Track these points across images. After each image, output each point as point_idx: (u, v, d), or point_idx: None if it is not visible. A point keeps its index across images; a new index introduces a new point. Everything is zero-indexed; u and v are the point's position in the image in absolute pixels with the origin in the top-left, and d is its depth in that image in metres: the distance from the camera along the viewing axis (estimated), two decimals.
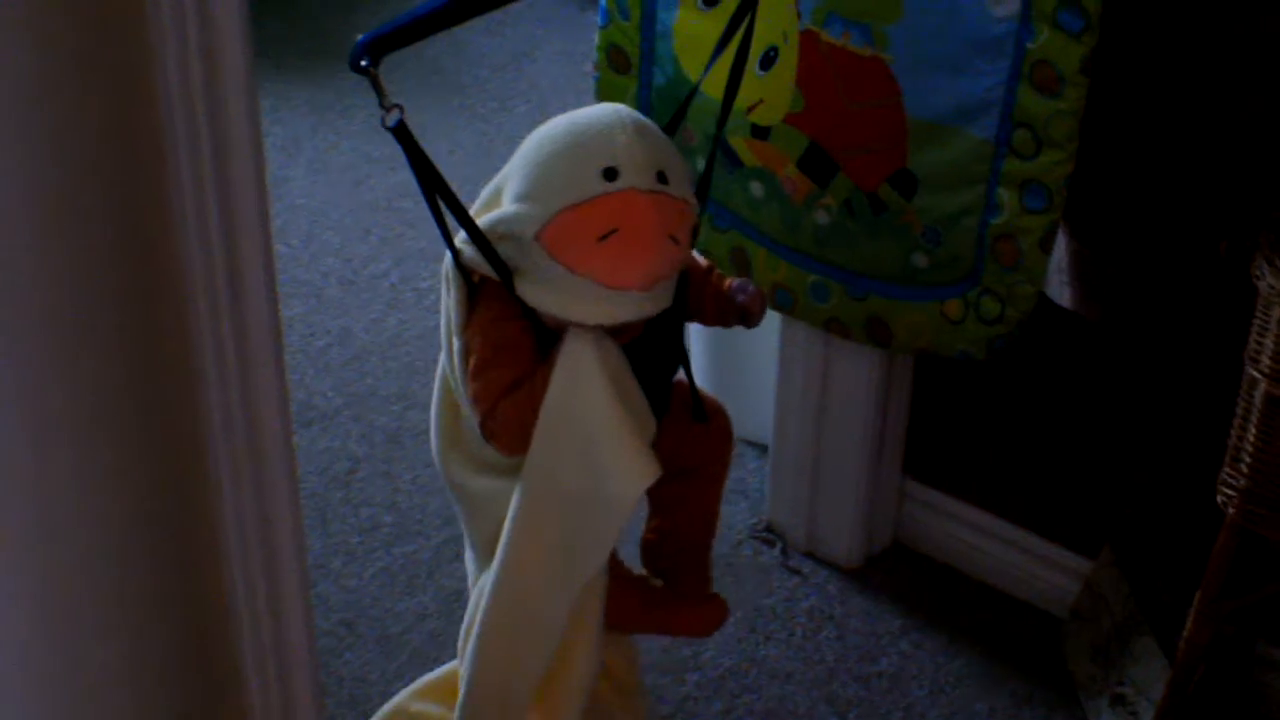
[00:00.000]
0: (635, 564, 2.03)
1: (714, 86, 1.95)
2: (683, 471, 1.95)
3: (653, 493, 1.91)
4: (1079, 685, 2.25)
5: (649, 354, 1.83)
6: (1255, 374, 1.76)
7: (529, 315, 1.78)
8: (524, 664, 1.90)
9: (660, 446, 1.86)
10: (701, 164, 2.15)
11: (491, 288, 1.79)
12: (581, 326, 1.77)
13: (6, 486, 1.32)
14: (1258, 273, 1.73)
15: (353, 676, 2.27)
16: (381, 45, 1.72)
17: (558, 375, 1.77)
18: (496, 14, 1.91)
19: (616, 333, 1.79)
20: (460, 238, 1.78)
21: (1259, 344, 1.76)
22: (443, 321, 1.87)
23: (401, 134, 1.71)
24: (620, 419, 1.78)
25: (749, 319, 1.93)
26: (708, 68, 1.88)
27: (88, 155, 1.30)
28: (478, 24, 1.90)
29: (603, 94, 2.24)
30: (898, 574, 2.47)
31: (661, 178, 1.74)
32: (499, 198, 1.80)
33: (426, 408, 2.69)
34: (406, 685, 2.20)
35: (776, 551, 2.50)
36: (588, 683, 1.92)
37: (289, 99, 3.62)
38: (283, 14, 3.92)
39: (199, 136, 1.37)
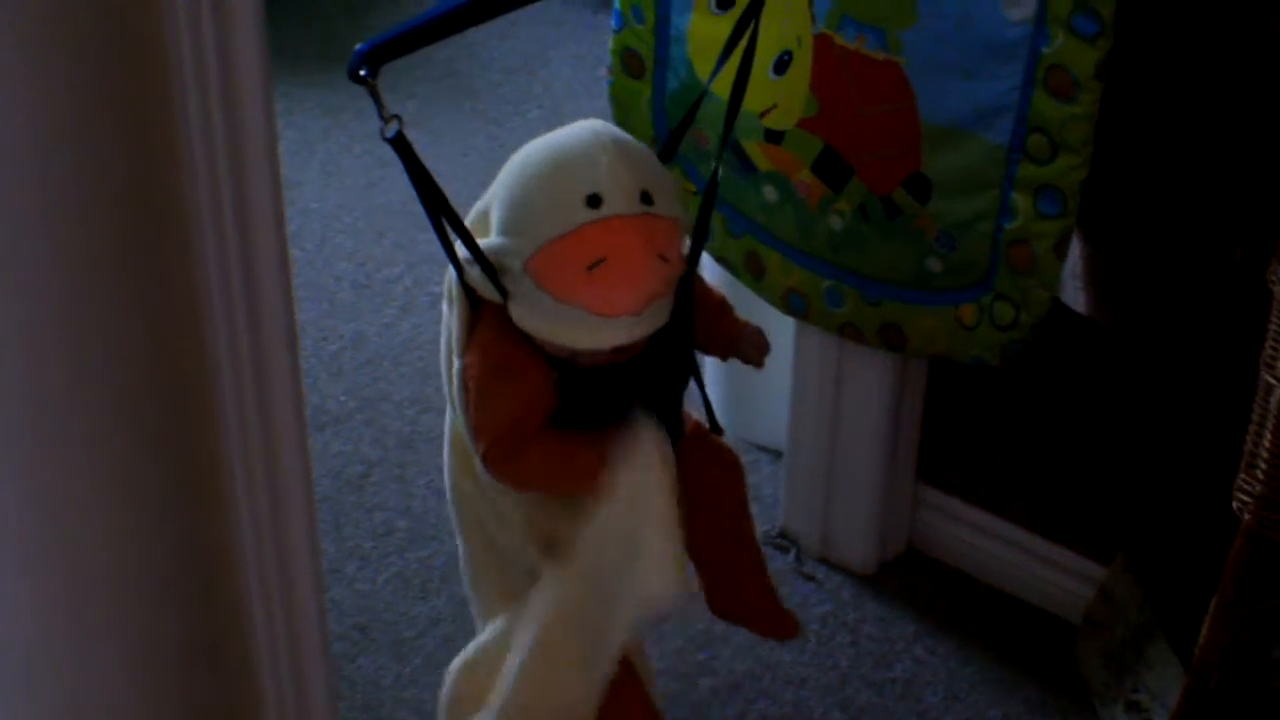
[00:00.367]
0: None
1: (727, 89, 1.95)
2: (700, 499, 1.97)
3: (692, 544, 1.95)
4: (1093, 692, 2.25)
5: (655, 370, 1.82)
6: (1271, 379, 1.76)
7: (529, 339, 1.77)
8: None
9: (682, 472, 1.88)
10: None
11: (493, 309, 1.78)
12: (642, 423, 1.77)
13: (21, 490, 1.32)
14: (1273, 277, 1.73)
15: (366, 681, 2.27)
16: (380, 54, 1.70)
17: (624, 479, 1.76)
18: (509, 17, 1.90)
19: (616, 352, 1.78)
20: (465, 255, 1.76)
21: (1275, 349, 1.75)
22: (443, 339, 1.86)
23: (400, 146, 1.70)
24: (671, 530, 1.79)
25: (753, 364, 1.98)
26: (715, 71, 1.88)
27: (102, 159, 1.30)
28: (490, 27, 1.89)
29: (617, 98, 2.24)
30: (912, 580, 2.47)
31: (646, 198, 1.71)
32: (486, 220, 1.78)
33: (440, 412, 2.69)
34: (420, 690, 2.19)
35: (790, 557, 2.49)
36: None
37: (302, 102, 3.63)
38: (296, 18, 3.93)
39: (215, 141, 1.38)
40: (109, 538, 1.41)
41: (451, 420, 1.91)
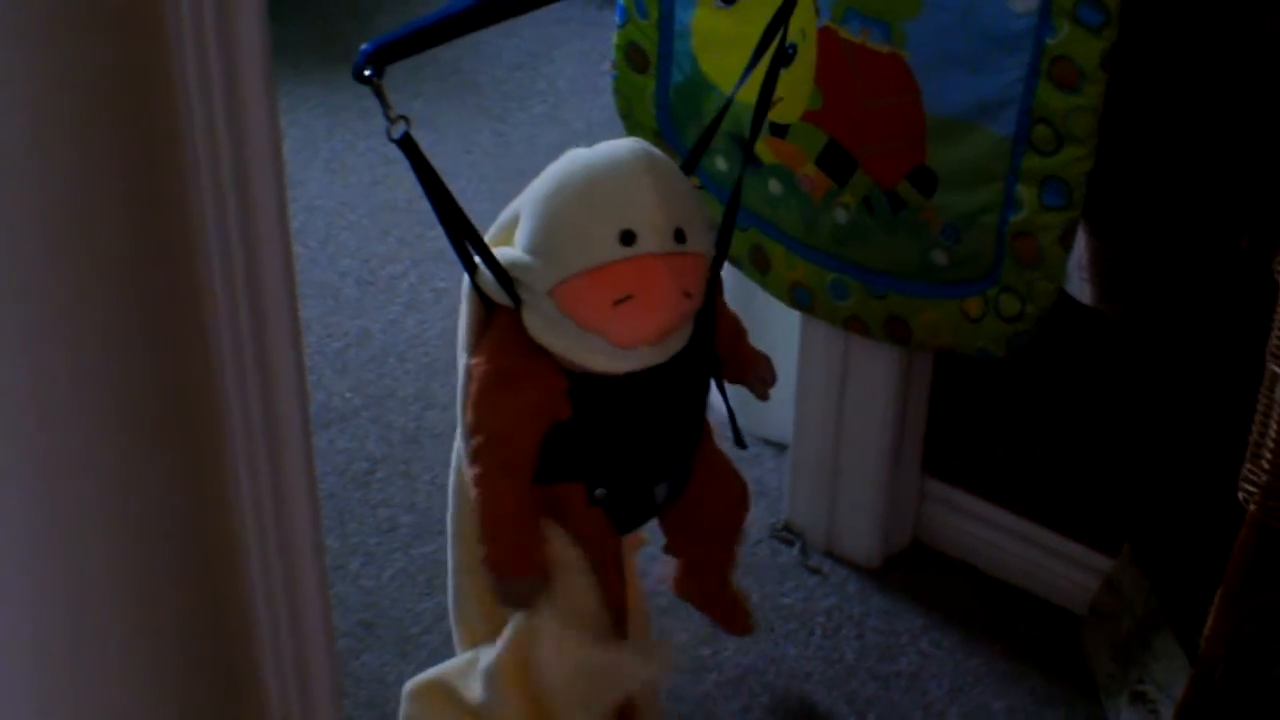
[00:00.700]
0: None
1: (731, 84, 1.95)
2: (704, 524, 1.98)
3: (680, 547, 2.01)
4: (1099, 683, 2.24)
5: (673, 381, 1.82)
6: (1277, 370, 1.75)
7: (539, 348, 1.76)
8: None
9: (692, 484, 1.88)
10: (721, 163, 2.16)
11: (507, 311, 1.78)
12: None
13: (23, 490, 1.32)
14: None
15: (371, 677, 2.27)
16: (386, 55, 1.70)
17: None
18: None
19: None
20: (476, 256, 1.76)
21: None
22: (460, 332, 1.86)
23: (407, 146, 1.69)
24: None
25: (758, 395, 2.00)
26: (744, 77, 1.87)
27: (104, 157, 1.30)
28: (494, 25, 1.89)
29: (621, 93, 2.24)
30: (917, 573, 2.47)
31: (679, 236, 1.71)
32: (514, 228, 1.77)
33: (445, 408, 2.71)
34: None
35: (795, 551, 2.49)
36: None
37: (306, 100, 3.63)
38: (300, 16, 3.93)
39: (218, 138, 1.37)
40: (110, 536, 1.41)
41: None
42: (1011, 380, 2.32)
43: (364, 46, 1.69)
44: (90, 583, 1.41)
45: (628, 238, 1.69)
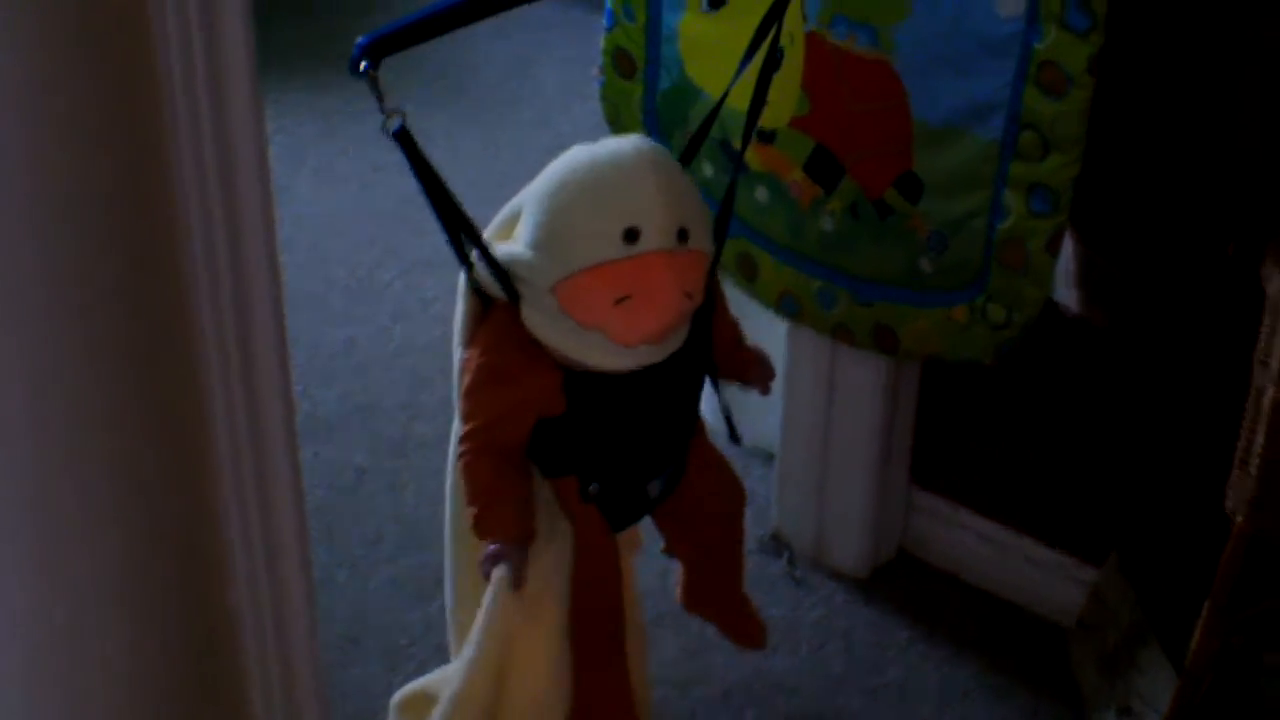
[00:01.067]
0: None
1: (718, 89, 1.95)
2: (699, 519, 1.97)
3: (678, 545, 2.00)
4: (1085, 696, 2.24)
5: (668, 377, 1.82)
6: (1264, 379, 1.75)
7: (536, 341, 1.76)
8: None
9: (686, 481, 1.88)
10: (708, 169, 2.15)
11: (502, 306, 1.78)
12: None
13: (8, 500, 1.31)
14: (1267, 275, 1.73)
15: (358, 690, 2.26)
16: (382, 47, 1.69)
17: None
18: (500, 17, 1.89)
19: None
20: (474, 252, 1.76)
21: (1268, 349, 1.74)
22: (456, 325, 1.86)
23: (404, 140, 1.69)
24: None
25: (759, 390, 2.00)
26: (733, 81, 1.87)
27: (89, 164, 1.30)
28: (482, 28, 1.88)
29: (608, 98, 2.24)
30: (905, 584, 2.46)
31: (683, 235, 1.71)
32: (515, 224, 1.77)
33: (433, 418, 2.70)
34: None
35: (783, 562, 2.49)
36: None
37: (295, 106, 3.62)
38: (290, 20, 3.92)
39: (203, 146, 1.37)
40: (96, 547, 1.40)
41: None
42: (998, 390, 2.32)
43: (360, 39, 1.68)
44: (75, 595, 1.40)
45: (631, 236, 1.69)
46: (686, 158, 1.89)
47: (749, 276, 2.22)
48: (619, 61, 2.20)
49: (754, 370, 1.98)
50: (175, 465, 1.48)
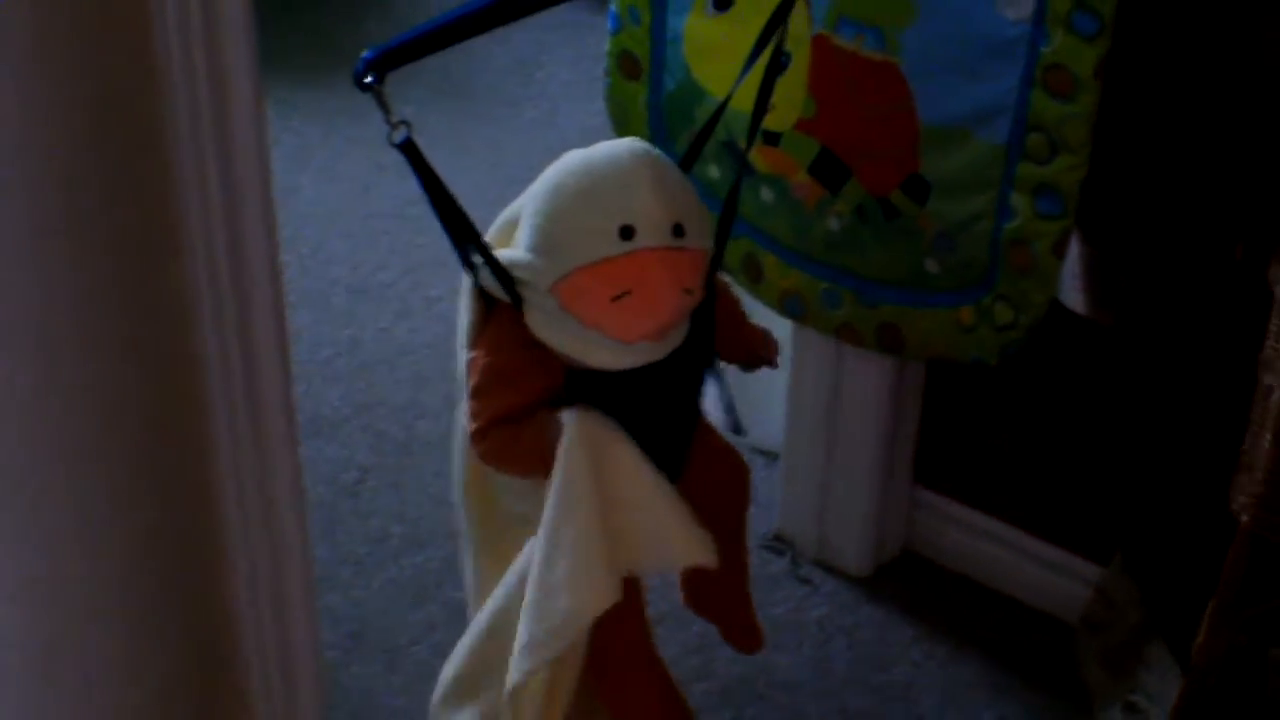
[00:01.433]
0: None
1: (723, 91, 1.94)
2: (706, 509, 1.96)
3: None
4: (1091, 694, 2.24)
5: (670, 374, 1.82)
6: (1270, 380, 1.75)
7: (539, 343, 1.77)
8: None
9: (689, 472, 1.88)
10: (714, 171, 2.15)
11: (505, 309, 1.79)
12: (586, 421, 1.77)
13: (7, 502, 1.31)
14: (1274, 277, 1.72)
15: (359, 689, 2.26)
16: (387, 61, 1.70)
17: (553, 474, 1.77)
18: None
19: None
20: (477, 257, 1.77)
21: (1275, 349, 1.74)
22: (460, 327, 1.86)
23: (410, 151, 1.70)
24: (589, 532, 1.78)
25: (770, 365, 2.00)
26: (737, 82, 1.87)
27: (90, 165, 1.30)
28: None
29: (613, 100, 2.23)
30: (908, 582, 2.46)
31: (678, 230, 1.72)
32: (514, 228, 1.78)
33: (436, 417, 2.70)
34: (413, 699, 2.18)
35: (786, 560, 2.48)
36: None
37: (299, 107, 3.62)
38: (292, 22, 3.92)
39: (204, 147, 1.37)
40: (96, 546, 1.40)
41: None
42: (1004, 389, 2.32)
43: (365, 54, 1.68)
44: (75, 594, 1.40)
45: (627, 233, 1.70)
46: (690, 158, 1.90)
47: (754, 277, 2.22)
48: (624, 64, 2.20)
49: (758, 346, 1.97)
50: (176, 465, 1.48)
